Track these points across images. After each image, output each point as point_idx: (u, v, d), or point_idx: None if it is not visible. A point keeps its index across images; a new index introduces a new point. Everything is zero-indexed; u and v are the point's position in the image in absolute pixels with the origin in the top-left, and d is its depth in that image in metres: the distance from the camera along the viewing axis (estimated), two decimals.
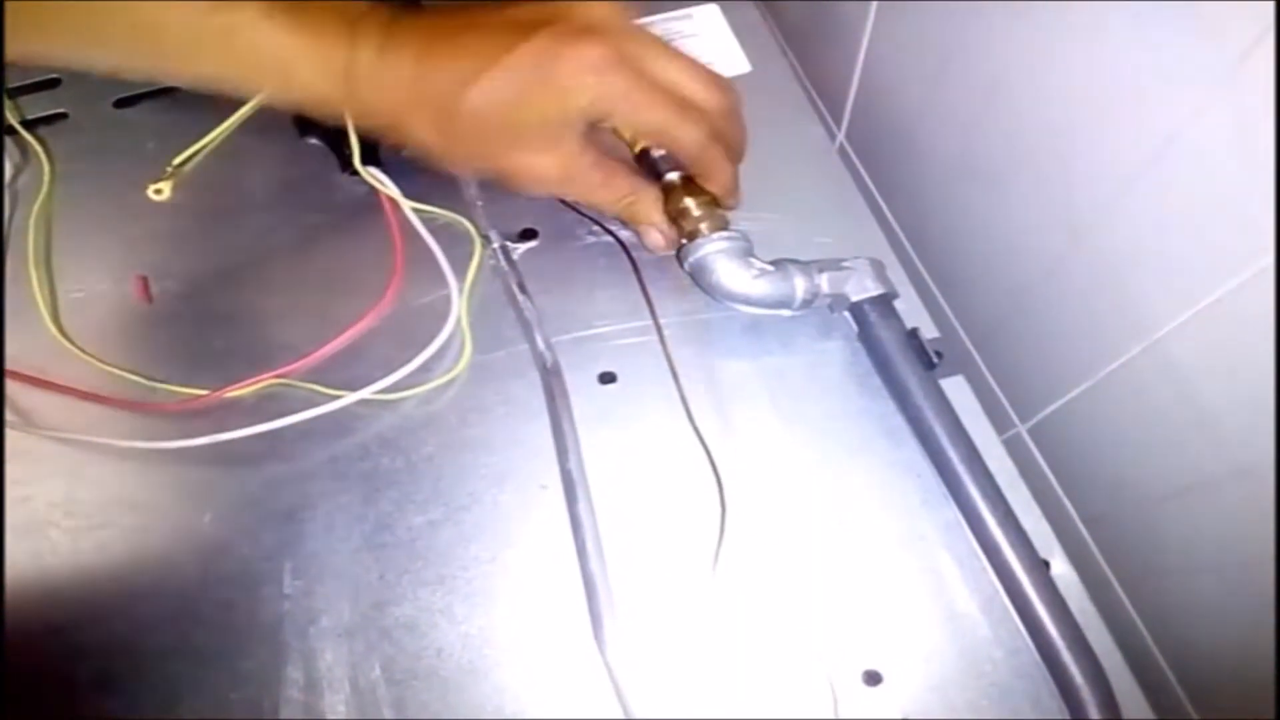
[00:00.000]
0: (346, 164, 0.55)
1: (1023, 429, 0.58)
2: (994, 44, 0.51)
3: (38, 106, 0.62)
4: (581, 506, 0.45)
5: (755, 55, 0.65)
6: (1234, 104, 0.37)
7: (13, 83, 0.63)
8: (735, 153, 0.51)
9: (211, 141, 0.58)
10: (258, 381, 0.49)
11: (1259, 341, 0.40)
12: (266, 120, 0.59)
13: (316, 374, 0.50)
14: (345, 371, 0.50)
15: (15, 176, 0.58)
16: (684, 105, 0.47)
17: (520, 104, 0.45)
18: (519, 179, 0.48)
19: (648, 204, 0.51)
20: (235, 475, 0.48)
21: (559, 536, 0.46)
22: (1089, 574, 0.53)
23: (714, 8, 0.67)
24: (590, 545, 0.44)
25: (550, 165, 0.48)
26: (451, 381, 0.50)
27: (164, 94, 0.63)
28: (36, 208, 0.56)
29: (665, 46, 0.48)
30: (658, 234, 0.52)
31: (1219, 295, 0.41)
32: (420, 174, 0.52)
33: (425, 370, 0.50)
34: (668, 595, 0.45)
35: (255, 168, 0.59)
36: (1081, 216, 0.48)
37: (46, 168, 0.58)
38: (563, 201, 0.56)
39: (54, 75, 0.64)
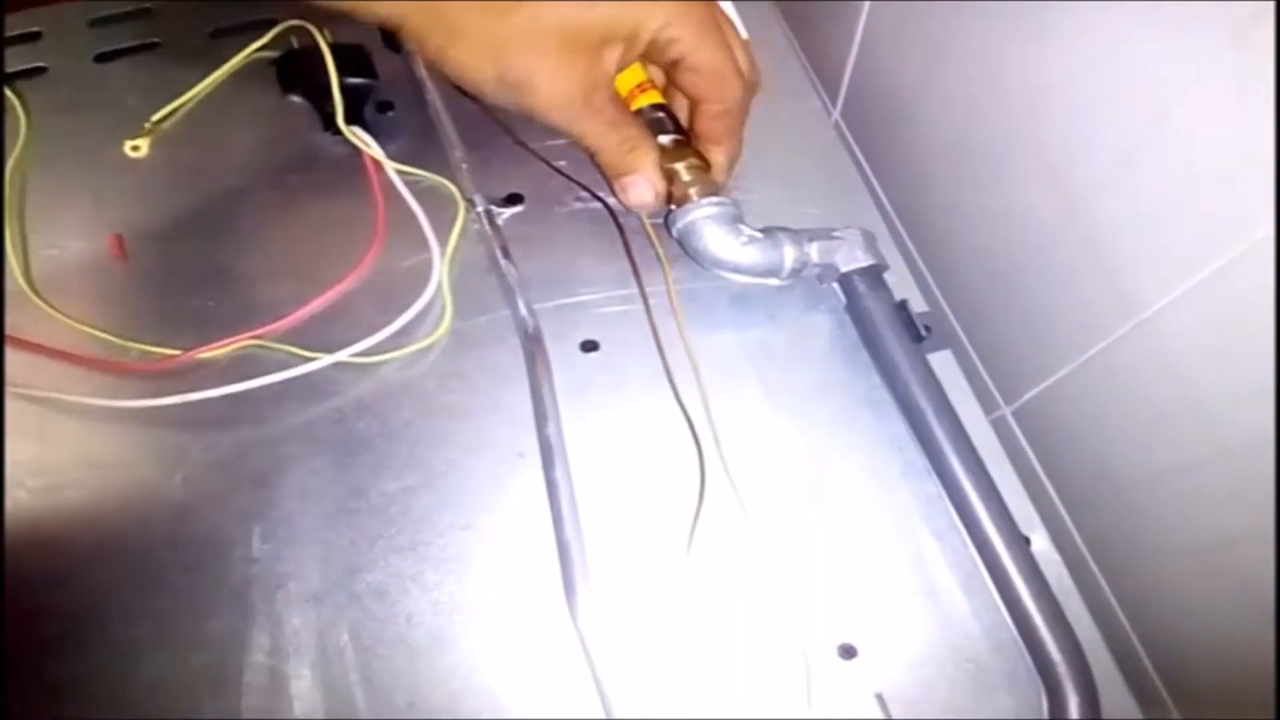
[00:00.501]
0: (329, 123, 0.54)
1: (1007, 411, 0.57)
2: (990, 23, 0.50)
3: (17, 60, 0.61)
4: (558, 473, 0.45)
5: (753, 25, 0.62)
6: (1227, 81, 0.37)
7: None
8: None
9: (192, 99, 0.57)
10: (232, 342, 0.48)
11: (1247, 319, 0.39)
12: (249, 77, 0.58)
13: (294, 336, 0.49)
14: (324, 334, 0.49)
15: None
16: (732, 60, 0.48)
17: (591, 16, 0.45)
18: (539, 91, 0.46)
19: (648, 154, 0.50)
20: (207, 437, 0.47)
21: (536, 504, 0.45)
22: (1069, 556, 0.52)
23: None
24: (566, 512, 0.44)
25: (576, 82, 0.46)
26: (431, 347, 0.50)
27: (145, 49, 0.62)
28: (11, 164, 0.55)
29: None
30: (648, 187, 0.50)
31: (1208, 273, 0.40)
32: (404, 135, 0.51)
33: (405, 334, 0.49)
34: (643, 566, 0.44)
35: (237, 125, 0.58)
36: (1074, 195, 0.48)
37: (23, 122, 0.56)
38: (551, 166, 0.56)
39: (34, 29, 0.62)
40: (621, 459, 0.47)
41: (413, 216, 0.53)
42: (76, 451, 0.47)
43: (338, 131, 0.54)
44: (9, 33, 0.62)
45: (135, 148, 0.55)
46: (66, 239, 0.53)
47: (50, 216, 0.54)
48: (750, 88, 0.50)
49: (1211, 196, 0.39)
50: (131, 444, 0.47)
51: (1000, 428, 0.57)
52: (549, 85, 0.46)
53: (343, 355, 0.48)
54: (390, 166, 0.54)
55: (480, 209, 0.54)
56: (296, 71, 0.56)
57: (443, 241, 0.52)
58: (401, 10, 0.44)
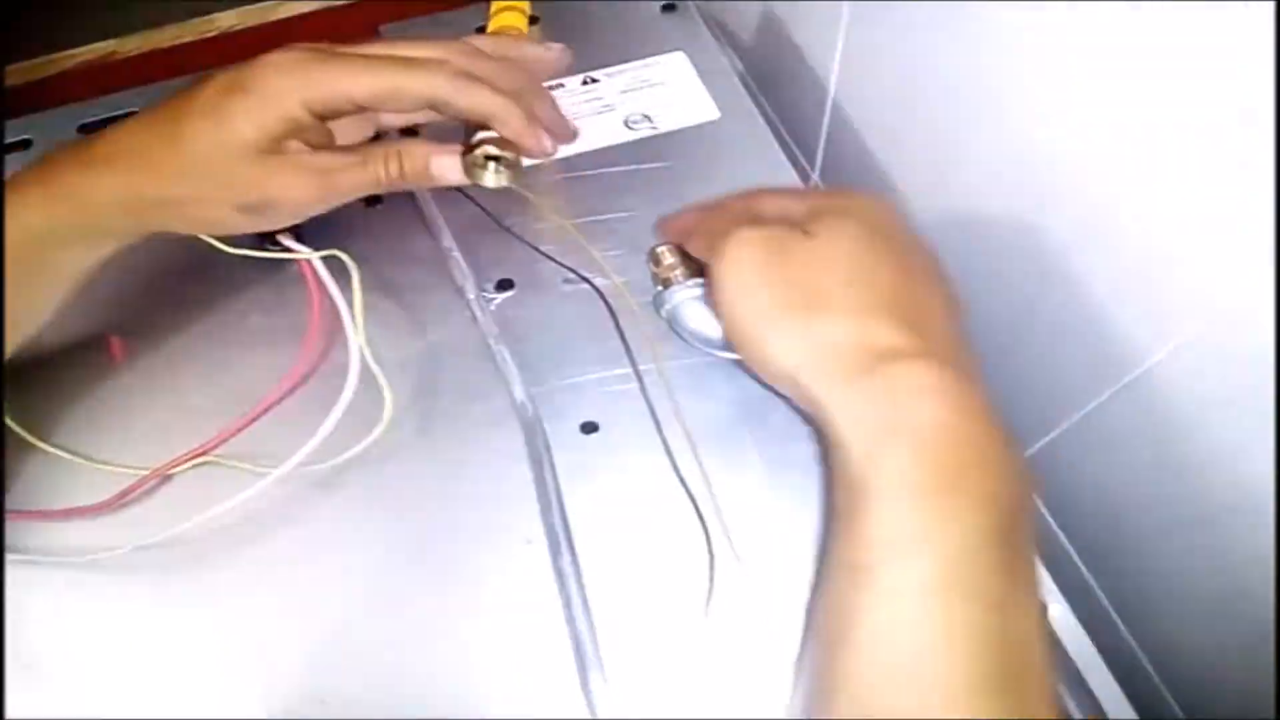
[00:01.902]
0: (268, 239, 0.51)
1: None
2: (959, 85, 0.51)
3: (7, 167, 0.61)
4: (565, 562, 0.45)
5: (724, 101, 0.64)
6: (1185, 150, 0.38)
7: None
8: (491, 81, 0.45)
9: None
10: (183, 460, 0.48)
11: (1236, 378, 0.40)
12: None
13: (256, 446, 0.48)
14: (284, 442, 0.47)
15: None
16: (408, 62, 0.44)
17: (231, 120, 0.42)
18: (281, 205, 0.44)
19: (415, 148, 0.46)
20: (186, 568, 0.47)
21: (545, 592, 0.45)
22: (1093, 610, 0.53)
23: (680, 55, 0.67)
24: (576, 602, 0.43)
25: (300, 180, 0.44)
26: (397, 436, 0.48)
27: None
28: None
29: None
30: (446, 156, 0.46)
31: (1195, 333, 0.41)
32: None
33: (358, 430, 0.47)
34: (657, 648, 0.44)
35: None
36: (1053, 255, 0.48)
37: None
38: (537, 250, 0.56)
39: (25, 138, 0.63)
40: (629, 541, 0.46)
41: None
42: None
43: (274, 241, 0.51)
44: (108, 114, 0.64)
45: None
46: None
47: None
48: (459, 56, 0.46)
49: (1193, 259, 0.40)
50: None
51: None
52: (285, 197, 0.44)
53: (290, 465, 0.46)
54: (327, 274, 0.50)
55: (471, 296, 0.54)
56: None
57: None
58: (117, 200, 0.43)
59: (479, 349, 0.53)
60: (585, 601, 0.44)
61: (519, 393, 0.50)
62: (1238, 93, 0.34)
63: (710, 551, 0.45)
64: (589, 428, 0.50)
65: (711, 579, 0.45)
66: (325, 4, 0.80)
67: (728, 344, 0.48)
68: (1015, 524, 0.36)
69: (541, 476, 0.48)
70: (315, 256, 0.49)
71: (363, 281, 0.48)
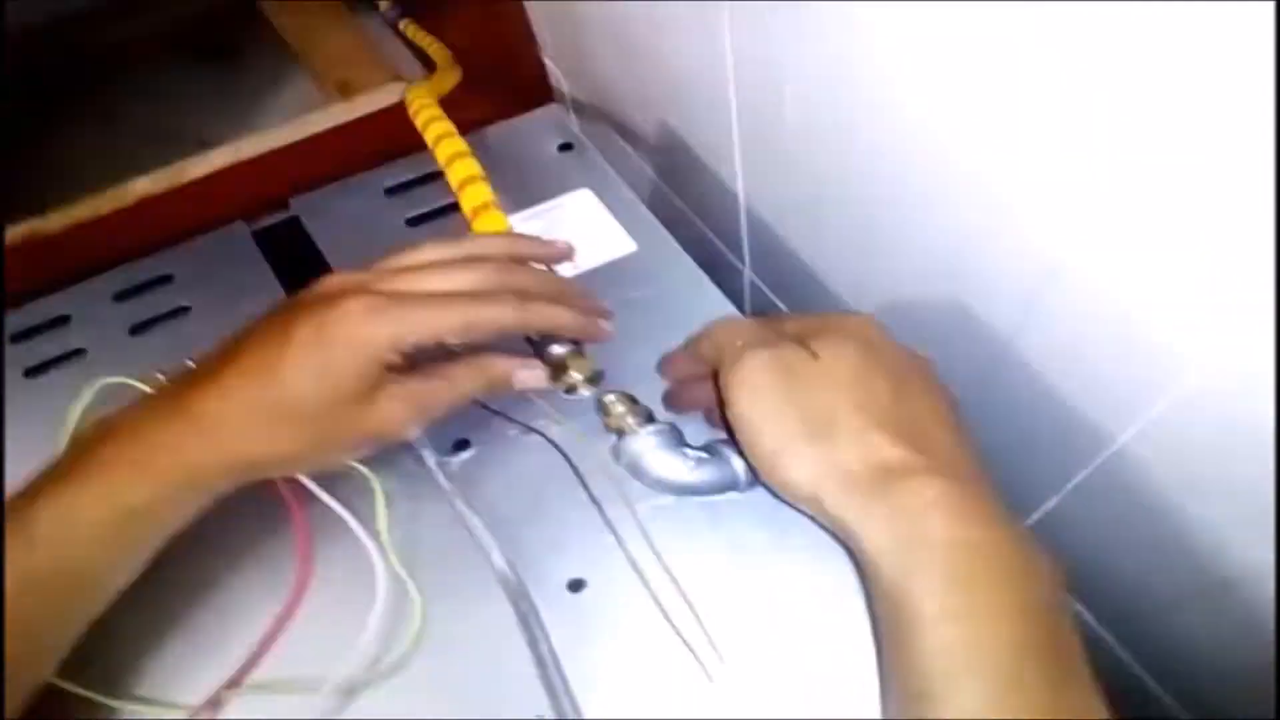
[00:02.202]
0: None
1: None
2: (869, 177, 0.52)
3: (53, 345, 0.63)
4: None
5: (636, 232, 0.66)
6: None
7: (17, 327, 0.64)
8: (541, 292, 0.51)
9: None
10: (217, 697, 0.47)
11: (1211, 452, 0.41)
12: None
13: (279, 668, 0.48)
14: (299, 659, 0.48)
15: None
16: (474, 296, 0.48)
17: (331, 374, 0.45)
18: (386, 437, 0.48)
19: (497, 364, 0.51)
20: None
21: None
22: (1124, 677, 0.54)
23: (586, 192, 0.69)
24: None
25: (400, 411, 0.47)
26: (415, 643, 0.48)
27: (176, 314, 0.65)
28: None
29: (403, 263, 0.50)
30: (524, 371, 0.52)
31: (1160, 412, 0.42)
32: None
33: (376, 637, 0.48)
34: None
35: None
36: (996, 337, 0.49)
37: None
38: (485, 407, 0.56)
39: (64, 314, 0.65)
40: (636, 700, 0.46)
41: (329, 511, 0.51)
42: None
43: None
44: (39, 320, 0.65)
45: None
46: None
47: None
48: (493, 273, 0.50)
49: (1146, 334, 0.40)
50: None
51: None
52: (389, 425, 0.48)
53: (337, 680, 0.46)
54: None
55: (432, 463, 0.54)
56: None
57: (369, 526, 0.50)
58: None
59: (451, 518, 0.53)
60: None
61: (498, 560, 0.51)
62: (1179, 173, 0.34)
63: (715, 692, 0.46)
64: (576, 585, 0.50)
65: None
66: (233, 159, 0.82)
67: (695, 485, 0.50)
68: (1053, 625, 0.39)
69: (536, 645, 0.48)
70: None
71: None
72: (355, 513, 0.50)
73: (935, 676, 0.38)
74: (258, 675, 0.48)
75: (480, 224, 0.60)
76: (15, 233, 0.75)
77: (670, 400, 0.56)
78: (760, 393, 0.46)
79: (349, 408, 0.45)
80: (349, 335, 0.44)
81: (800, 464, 0.44)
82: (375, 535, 0.50)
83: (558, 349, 0.56)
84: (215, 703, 0.47)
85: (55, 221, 0.76)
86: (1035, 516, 0.54)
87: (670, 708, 0.46)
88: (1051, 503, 0.53)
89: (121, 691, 0.47)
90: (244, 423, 0.44)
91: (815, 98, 0.52)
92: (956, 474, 0.42)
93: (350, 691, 0.47)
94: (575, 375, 0.56)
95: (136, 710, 0.47)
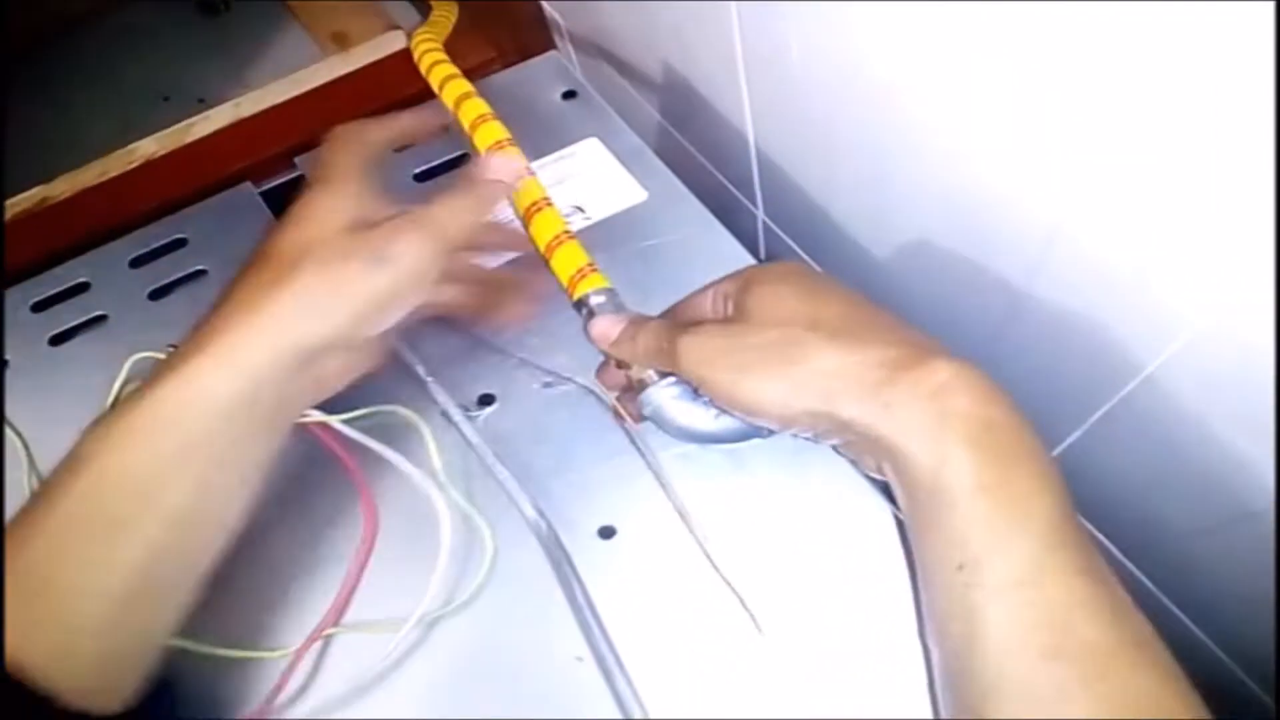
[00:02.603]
0: None
1: None
2: (860, 119, 0.53)
3: (76, 312, 0.63)
4: (620, 683, 0.46)
5: (646, 180, 0.66)
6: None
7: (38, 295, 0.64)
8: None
9: None
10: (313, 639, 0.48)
11: (1241, 381, 0.40)
12: None
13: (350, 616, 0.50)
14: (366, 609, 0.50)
15: None
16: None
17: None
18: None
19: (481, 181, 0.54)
20: None
21: (605, 707, 0.46)
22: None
23: (594, 142, 0.69)
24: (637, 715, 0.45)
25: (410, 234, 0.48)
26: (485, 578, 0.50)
27: (193, 278, 0.65)
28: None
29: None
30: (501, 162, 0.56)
31: (1189, 338, 0.41)
32: None
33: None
34: None
35: None
36: (1015, 274, 0.49)
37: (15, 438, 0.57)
38: (515, 356, 0.57)
39: (82, 280, 0.65)
40: (676, 642, 0.48)
41: (381, 460, 0.52)
42: None
43: None
44: (59, 287, 0.65)
45: None
46: None
47: None
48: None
49: (1176, 260, 0.40)
50: None
51: None
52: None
53: (415, 617, 0.47)
54: (339, 424, 0.52)
55: (457, 419, 0.55)
56: None
57: (424, 468, 0.52)
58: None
59: (480, 471, 0.54)
60: (646, 714, 0.45)
61: (528, 509, 0.51)
62: (1223, 89, 0.33)
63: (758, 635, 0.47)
64: (607, 532, 0.51)
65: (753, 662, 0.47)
66: (234, 118, 0.81)
67: (718, 433, 0.50)
68: (1069, 497, 0.40)
69: (571, 591, 0.48)
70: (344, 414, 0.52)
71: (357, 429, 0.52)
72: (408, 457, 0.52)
73: (978, 546, 0.39)
74: (346, 618, 0.50)
75: (479, 134, 0.61)
76: (25, 200, 0.75)
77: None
78: (709, 359, 0.46)
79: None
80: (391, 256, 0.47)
81: (786, 390, 0.44)
82: (432, 475, 0.51)
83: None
84: (313, 641, 0.48)
85: (62, 187, 0.76)
86: (1058, 449, 0.54)
87: (709, 651, 0.47)
88: (1074, 436, 0.53)
89: (215, 640, 0.48)
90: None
91: (821, 34, 0.52)
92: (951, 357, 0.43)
93: (430, 625, 0.49)
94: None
95: (238, 655, 0.48)
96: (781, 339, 0.45)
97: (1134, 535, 0.54)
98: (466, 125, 0.63)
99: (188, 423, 0.42)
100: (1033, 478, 0.40)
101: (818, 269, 0.49)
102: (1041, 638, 0.37)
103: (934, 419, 0.40)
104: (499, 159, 0.56)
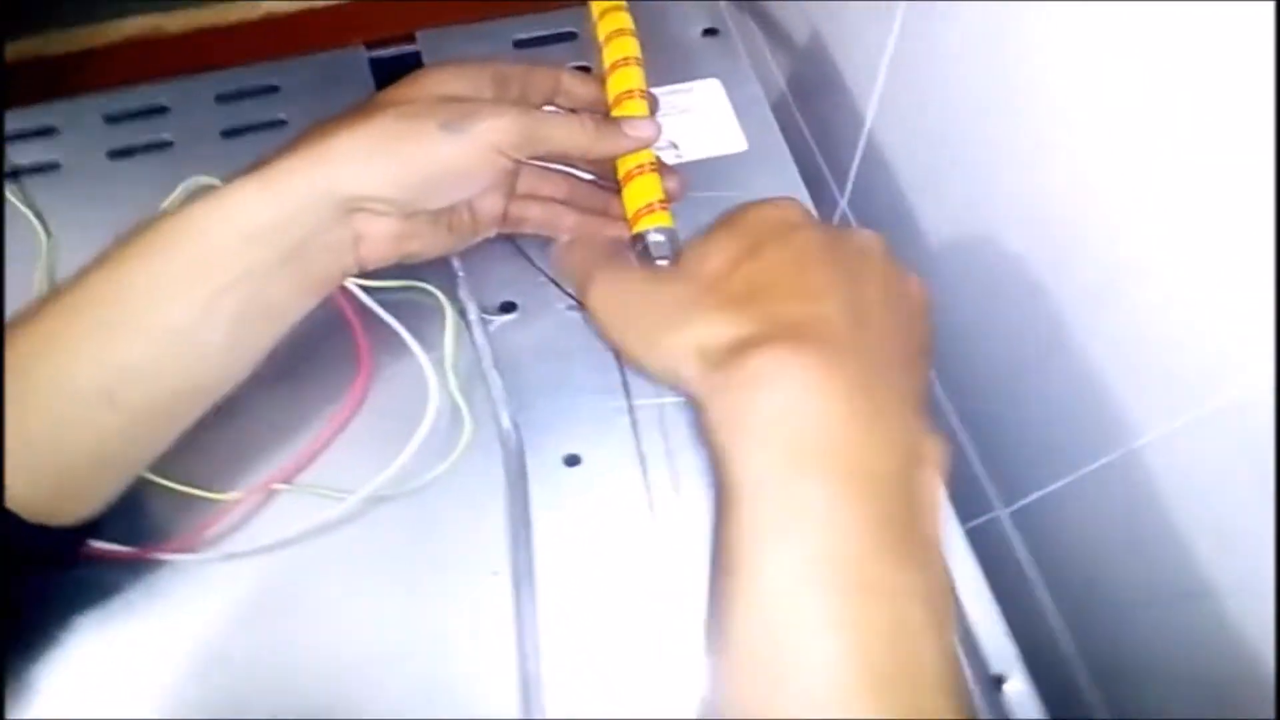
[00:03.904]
0: None
1: (1003, 512, 0.57)
2: (990, 138, 0.51)
3: (31, 153, 0.62)
4: (526, 602, 0.45)
5: (754, 133, 0.63)
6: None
7: (9, 127, 0.63)
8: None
9: None
10: (253, 493, 0.49)
11: (1233, 465, 0.39)
12: None
13: (312, 474, 0.50)
14: (333, 470, 0.50)
15: None
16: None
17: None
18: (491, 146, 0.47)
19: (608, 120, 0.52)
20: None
21: (505, 625, 0.45)
22: (1063, 675, 0.52)
23: (715, 82, 0.66)
24: (529, 644, 0.44)
25: (503, 123, 0.47)
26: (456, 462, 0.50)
27: (159, 148, 0.63)
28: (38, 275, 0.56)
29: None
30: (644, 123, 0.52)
31: (1197, 415, 0.40)
32: None
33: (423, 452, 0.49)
34: (605, 693, 0.44)
35: None
36: (1065, 317, 0.48)
37: (43, 238, 0.57)
38: (543, 273, 0.56)
39: (50, 124, 0.63)
40: (593, 581, 0.47)
41: (392, 340, 0.52)
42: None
43: None
44: (25, 126, 0.63)
45: None
46: None
47: None
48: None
49: (1197, 342, 0.39)
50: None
51: (994, 528, 0.57)
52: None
53: (366, 491, 0.48)
54: (356, 286, 0.52)
55: (473, 317, 0.54)
56: None
57: (432, 352, 0.52)
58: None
59: (475, 371, 0.53)
60: (537, 641, 0.44)
61: (505, 420, 0.51)
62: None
63: (676, 596, 0.45)
64: (572, 460, 0.50)
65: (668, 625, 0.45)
66: None
67: None
68: (900, 502, 0.35)
69: (515, 511, 0.48)
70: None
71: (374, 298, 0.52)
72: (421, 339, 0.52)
73: (741, 549, 0.35)
74: (303, 477, 0.50)
75: (621, 109, 0.57)
76: (137, 26, 0.75)
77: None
78: (610, 305, 0.44)
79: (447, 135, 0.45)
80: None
81: (661, 355, 0.41)
82: (439, 362, 0.52)
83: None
84: (258, 492, 0.49)
85: (179, 21, 0.76)
86: (1035, 496, 0.54)
87: (626, 597, 0.46)
88: (1055, 486, 0.52)
89: (171, 475, 0.48)
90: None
91: (976, 57, 0.50)
92: (821, 339, 0.38)
93: (375, 503, 0.49)
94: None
95: (187, 492, 0.48)
96: (673, 300, 0.42)
97: (1076, 596, 0.54)
98: (608, 61, 0.60)
99: (208, 237, 0.42)
100: (826, 470, 0.35)
101: (812, 215, 0.45)
102: (779, 656, 0.33)
103: (735, 411, 0.37)
104: (647, 125, 0.52)
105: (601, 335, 0.44)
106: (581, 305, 0.49)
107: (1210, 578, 0.42)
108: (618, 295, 0.44)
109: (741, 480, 0.35)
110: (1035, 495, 0.53)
